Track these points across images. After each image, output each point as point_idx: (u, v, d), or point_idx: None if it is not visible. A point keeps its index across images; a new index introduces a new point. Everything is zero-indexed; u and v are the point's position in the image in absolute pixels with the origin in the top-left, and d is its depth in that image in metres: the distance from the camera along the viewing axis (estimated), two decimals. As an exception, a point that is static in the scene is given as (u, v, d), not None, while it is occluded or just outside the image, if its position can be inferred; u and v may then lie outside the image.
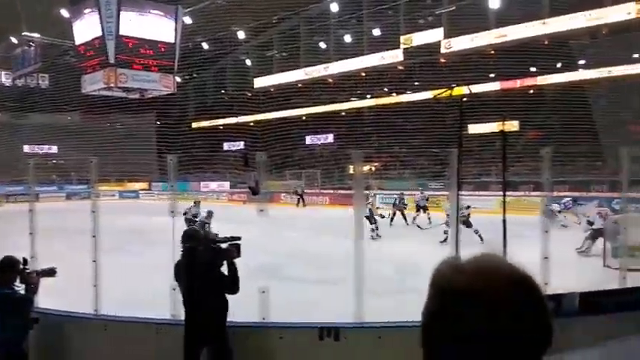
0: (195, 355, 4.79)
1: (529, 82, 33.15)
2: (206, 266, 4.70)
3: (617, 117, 27.23)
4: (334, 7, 36.32)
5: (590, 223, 13.07)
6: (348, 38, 39.53)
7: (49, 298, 5.62)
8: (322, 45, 41.09)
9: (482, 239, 13.88)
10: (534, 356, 0.87)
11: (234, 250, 4.75)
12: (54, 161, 46.88)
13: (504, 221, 7.02)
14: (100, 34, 19.22)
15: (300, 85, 41.67)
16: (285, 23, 40.33)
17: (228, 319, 4.89)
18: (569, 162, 28.03)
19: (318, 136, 42.54)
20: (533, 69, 33.45)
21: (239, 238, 4.81)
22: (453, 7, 32.19)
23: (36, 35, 29.26)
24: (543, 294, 0.90)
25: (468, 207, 15.18)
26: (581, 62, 31.42)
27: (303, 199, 33.45)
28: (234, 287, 4.77)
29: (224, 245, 4.78)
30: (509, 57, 31.38)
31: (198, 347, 4.79)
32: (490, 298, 0.85)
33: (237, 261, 4.78)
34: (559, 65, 32.02)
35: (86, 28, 20.11)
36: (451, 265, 0.93)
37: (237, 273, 4.77)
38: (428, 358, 0.92)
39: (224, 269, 4.79)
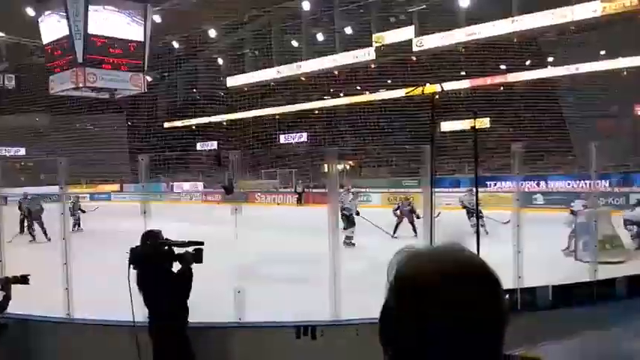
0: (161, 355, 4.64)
1: (499, 79, 33.64)
2: (152, 269, 4.44)
3: (585, 112, 27.81)
4: (306, 6, 36.27)
5: (574, 213, 12.51)
6: (320, 37, 39.56)
7: (19, 303, 5.49)
8: (294, 43, 41.02)
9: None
10: (493, 345, 0.86)
11: (190, 255, 4.47)
12: (22, 163, 45.87)
13: (477, 216, 7.13)
14: (67, 32, 18.85)
15: (273, 83, 41.56)
16: (256, 22, 40.14)
17: (206, 320, 4.81)
18: (540, 158, 28.57)
19: (292, 134, 42.51)
20: (503, 66, 33.95)
21: (201, 243, 4.50)
22: (424, 6, 32.48)
23: (1, 34, 28.54)
24: (501, 284, 0.89)
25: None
26: (550, 59, 31.98)
27: (301, 198, 31.75)
28: (183, 293, 4.52)
29: (180, 250, 4.47)
30: (480, 55, 31.88)
31: (160, 349, 4.57)
32: (449, 288, 0.84)
33: (208, 263, 4.53)
34: (528, 62, 32.58)
35: (53, 26, 19.70)
36: (407, 256, 0.90)
37: (189, 279, 4.52)
38: (388, 353, 0.89)
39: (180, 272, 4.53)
